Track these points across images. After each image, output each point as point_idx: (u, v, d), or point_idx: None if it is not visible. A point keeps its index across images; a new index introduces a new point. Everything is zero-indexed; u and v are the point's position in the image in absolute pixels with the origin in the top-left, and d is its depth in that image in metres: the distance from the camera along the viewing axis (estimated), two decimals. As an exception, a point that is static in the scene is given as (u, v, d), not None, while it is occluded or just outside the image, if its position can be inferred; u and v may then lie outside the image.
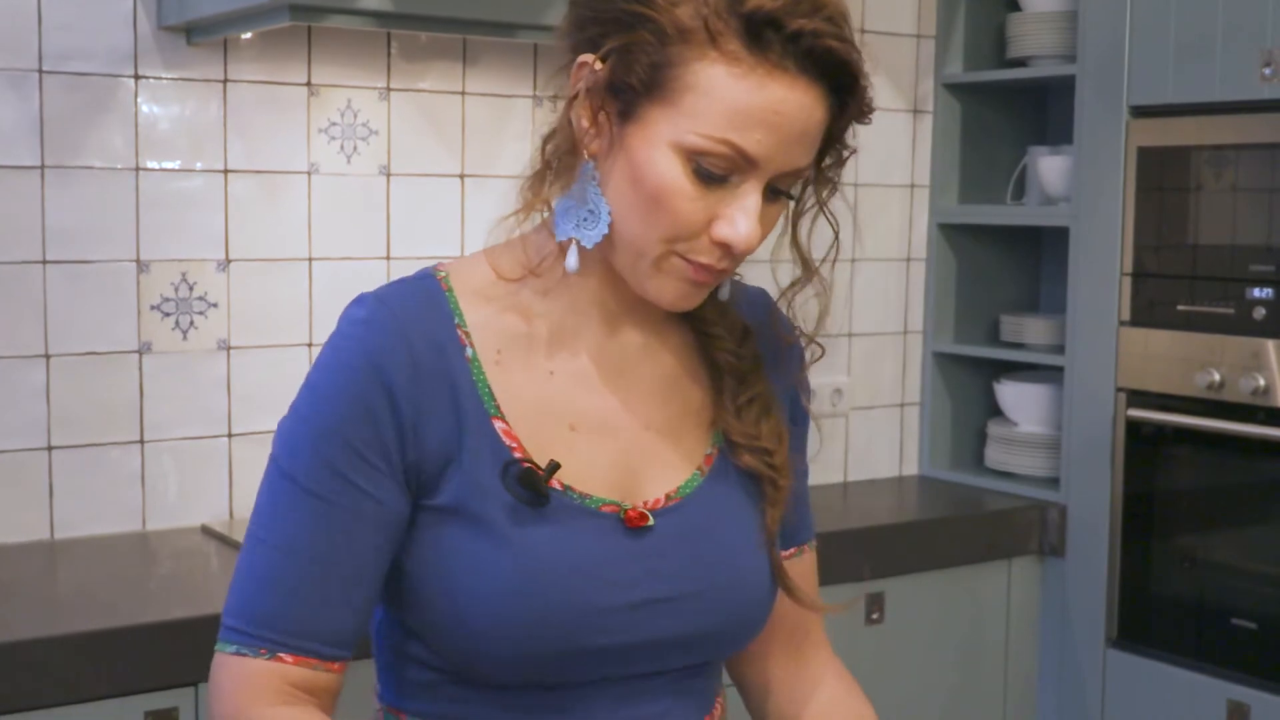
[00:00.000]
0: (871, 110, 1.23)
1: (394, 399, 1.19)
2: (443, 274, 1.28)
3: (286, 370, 2.68)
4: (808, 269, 1.30)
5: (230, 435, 2.63)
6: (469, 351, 1.24)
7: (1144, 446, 2.91)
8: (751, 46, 1.15)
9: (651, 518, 1.27)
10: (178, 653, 2.04)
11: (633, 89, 1.18)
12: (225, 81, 2.57)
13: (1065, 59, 3.11)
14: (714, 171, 1.17)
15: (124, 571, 2.37)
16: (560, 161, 1.24)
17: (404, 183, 2.77)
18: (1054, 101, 3.37)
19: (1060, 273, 3.14)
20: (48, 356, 2.45)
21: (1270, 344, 2.68)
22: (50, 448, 2.47)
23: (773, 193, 1.20)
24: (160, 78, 2.52)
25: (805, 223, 1.28)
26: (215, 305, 2.60)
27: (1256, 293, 2.71)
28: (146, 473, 2.55)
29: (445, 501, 1.22)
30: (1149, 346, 2.88)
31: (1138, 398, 2.90)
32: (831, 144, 1.24)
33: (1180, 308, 2.84)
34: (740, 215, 1.18)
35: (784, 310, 1.35)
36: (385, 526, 1.21)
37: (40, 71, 2.41)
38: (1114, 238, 2.92)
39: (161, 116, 2.53)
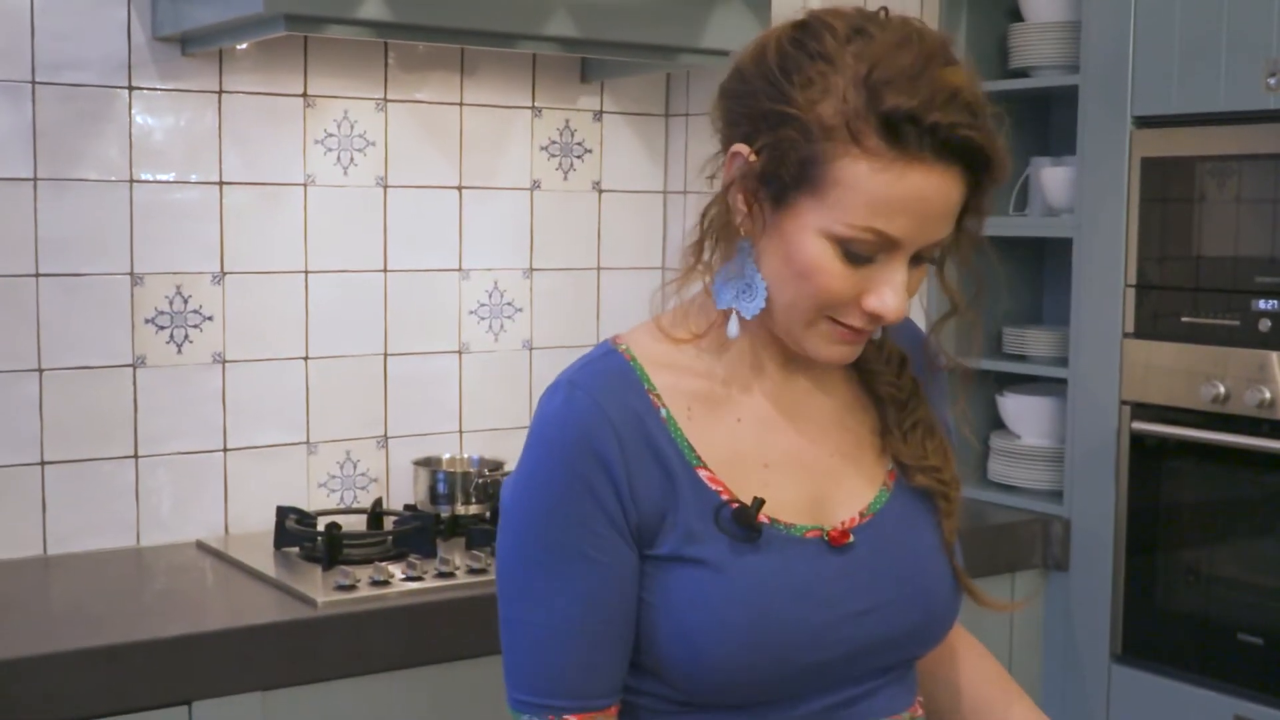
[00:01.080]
0: (1007, 177, 1.34)
1: (610, 472, 1.30)
2: (623, 347, 1.39)
3: (282, 384, 2.66)
4: (955, 307, 1.45)
5: (225, 449, 2.61)
6: (664, 412, 1.35)
7: (1148, 459, 2.88)
8: (891, 142, 1.24)
9: (852, 535, 1.38)
10: (172, 671, 2.02)
11: (783, 181, 1.29)
12: (221, 92, 2.55)
13: (1068, 69, 3.09)
14: (861, 253, 1.28)
15: (118, 587, 2.35)
16: (719, 236, 1.36)
17: (401, 194, 2.75)
18: (1057, 112, 3.35)
19: (1064, 284, 3.11)
20: (41, 370, 2.43)
21: (1275, 356, 2.65)
22: (44, 462, 2.45)
23: (914, 260, 1.32)
24: (155, 89, 2.50)
25: (952, 263, 1.42)
26: (210, 318, 2.57)
27: (1261, 304, 2.68)
28: (141, 487, 2.53)
29: (667, 551, 1.32)
30: (1153, 359, 2.85)
31: (1142, 410, 2.87)
32: (969, 210, 1.34)
33: (1184, 319, 2.81)
34: (889, 290, 1.29)
35: (933, 341, 1.51)
36: (629, 585, 1.33)
37: (34, 82, 2.39)
38: (1117, 249, 2.90)
39: (156, 128, 2.50)
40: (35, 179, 2.40)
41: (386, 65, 2.71)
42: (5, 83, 2.37)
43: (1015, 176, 3.33)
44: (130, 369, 2.51)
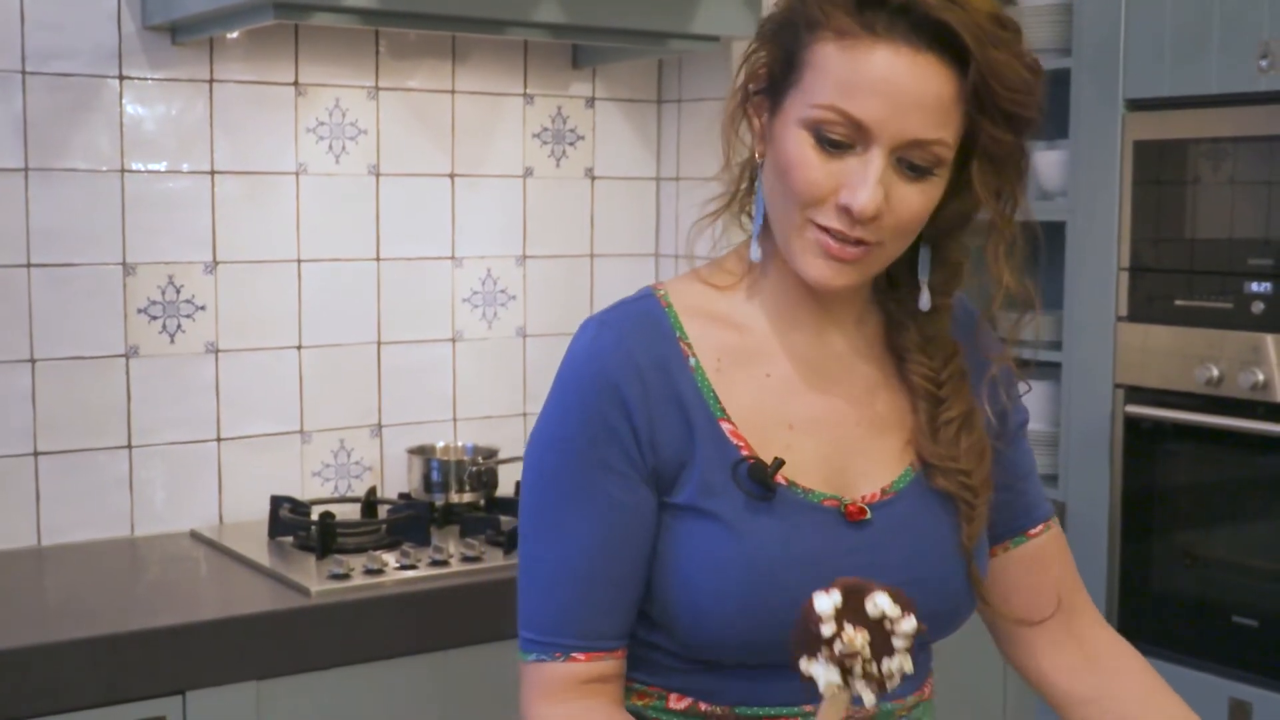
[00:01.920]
0: (1016, 89, 1.26)
1: (629, 413, 1.30)
2: (662, 292, 1.38)
3: (275, 373, 2.65)
4: (1000, 284, 1.38)
5: (219, 439, 2.60)
6: (692, 361, 1.34)
7: (1143, 443, 2.88)
8: (859, 20, 1.24)
9: (869, 512, 1.35)
10: (166, 661, 2.02)
11: (776, 81, 1.31)
12: (211, 81, 2.55)
13: (1060, 52, 3.09)
14: (833, 138, 1.25)
15: (112, 578, 2.34)
16: (741, 165, 1.38)
17: (394, 182, 2.74)
18: (1049, 95, 3.33)
19: (1057, 268, 3.11)
20: (33, 361, 2.43)
21: (1269, 338, 2.65)
22: (37, 453, 2.44)
23: (911, 170, 1.26)
24: (145, 78, 2.49)
25: (1000, 240, 1.36)
26: (203, 308, 2.57)
27: (1255, 287, 2.68)
28: (134, 478, 2.53)
29: (682, 500, 1.32)
30: (1147, 342, 2.85)
31: (1136, 394, 2.87)
32: (978, 131, 1.28)
33: (1178, 303, 2.81)
34: (860, 183, 1.24)
35: (989, 323, 1.45)
36: (645, 526, 1.32)
37: (23, 72, 2.39)
38: (1111, 232, 2.90)
39: (147, 117, 2.50)
40: (26, 169, 2.40)
41: (377, 53, 2.70)
42: (-6, 73, 2.37)
43: (1008, 160, 3.32)
44: (123, 359, 2.51)
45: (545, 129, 2.94)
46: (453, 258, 2.84)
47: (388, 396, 2.79)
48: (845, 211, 1.26)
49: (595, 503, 1.31)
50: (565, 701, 1.33)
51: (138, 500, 2.53)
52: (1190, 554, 2.87)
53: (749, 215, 1.40)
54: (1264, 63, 2.62)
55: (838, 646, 1.11)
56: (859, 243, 1.27)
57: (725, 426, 1.33)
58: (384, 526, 2.48)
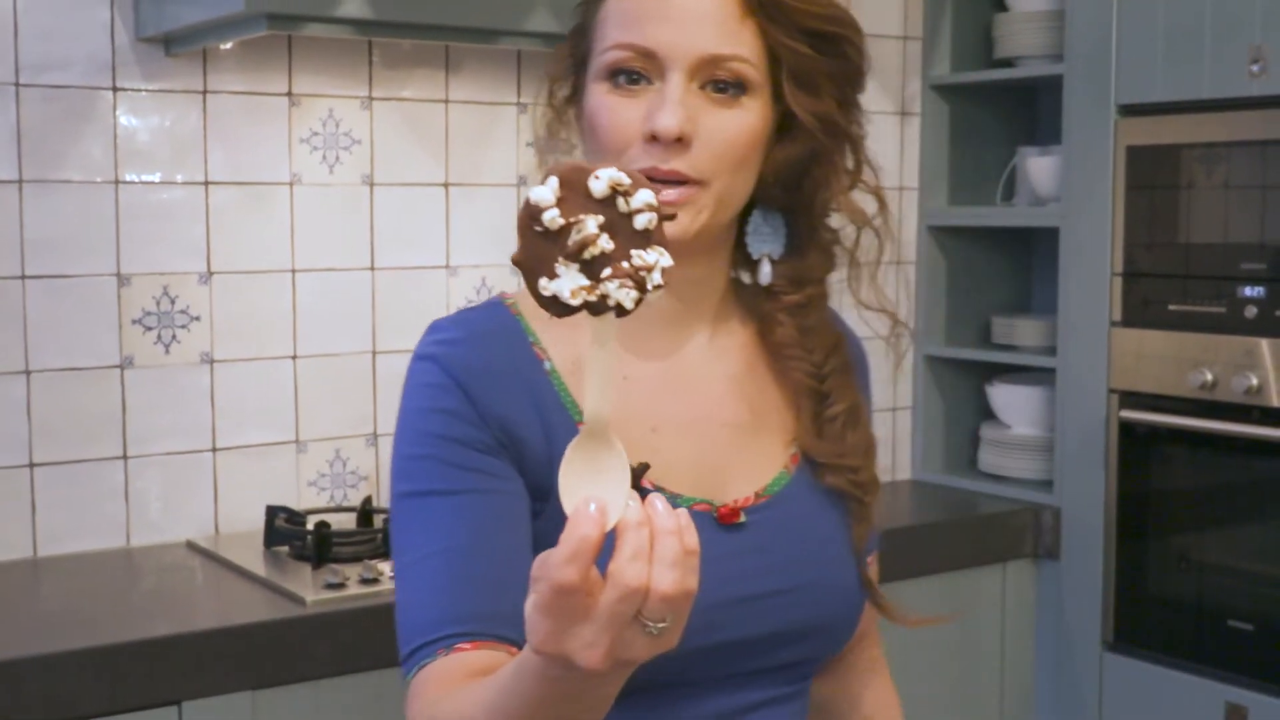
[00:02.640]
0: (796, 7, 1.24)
1: (479, 407, 1.23)
2: (510, 301, 1.32)
3: (271, 383, 2.65)
4: (859, 220, 1.34)
5: (215, 449, 2.60)
6: (547, 365, 1.27)
7: (1137, 447, 2.89)
8: None
9: (743, 515, 1.29)
10: (162, 672, 2.01)
11: (578, 71, 1.30)
12: (205, 92, 2.55)
13: (1053, 58, 3.10)
14: (627, 72, 1.23)
15: (108, 588, 2.34)
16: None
17: (388, 192, 2.74)
18: (1042, 101, 3.35)
19: (1051, 274, 3.12)
20: (28, 372, 2.43)
21: (1263, 342, 2.66)
22: (32, 464, 2.44)
23: (718, 90, 1.23)
24: (139, 89, 2.49)
25: (830, 173, 1.30)
26: (197, 318, 2.57)
27: (1248, 291, 2.69)
28: (130, 488, 2.53)
29: (548, 507, 1.23)
30: (1141, 347, 2.86)
31: (1130, 399, 2.88)
32: (782, 54, 1.25)
33: (1172, 307, 2.82)
34: (659, 105, 1.21)
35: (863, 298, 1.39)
36: (517, 509, 1.23)
37: (17, 84, 2.39)
38: (1104, 237, 2.90)
39: (141, 128, 2.50)
40: (20, 181, 2.40)
41: (371, 63, 2.71)
42: (-12, 85, 2.37)
43: (1001, 166, 3.33)
44: (118, 370, 2.51)
45: (539, 138, 2.93)
46: (447, 266, 2.84)
47: (383, 406, 2.79)
48: (652, 140, 1.21)
49: (462, 481, 1.22)
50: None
51: (133, 510, 2.53)
52: (1186, 558, 2.87)
53: None
54: (1256, 67, 2.63)
55: (572, 238, 0.95)
56: (680, 182, 1.22)
57: None
58: (379, 536, 2.48)
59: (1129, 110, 2.87)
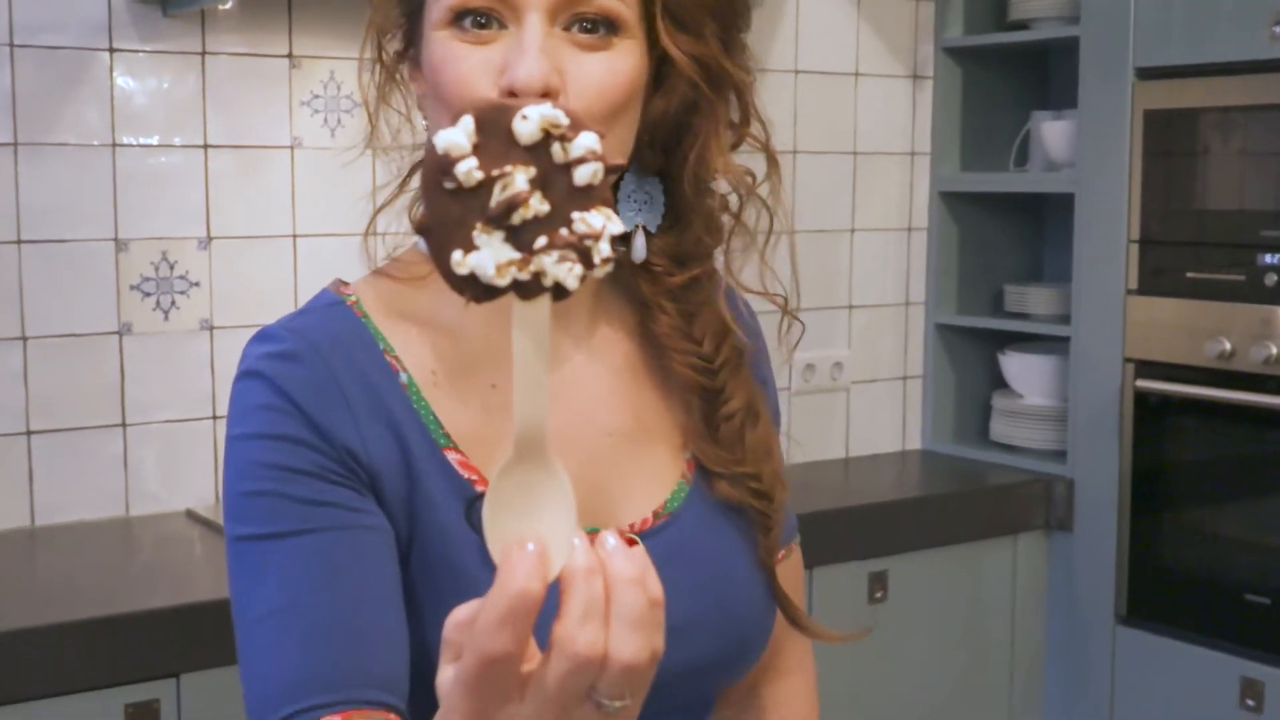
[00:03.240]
0: None
1: (322, 432, 1.01)
2: (352, 298, 1.10)
3: (272, 350, 2.61)
4: (740, 191, 1.13)
5: (215, 417, 2.57)
6: (403, 377, 1.06)
7: (1153, 418, 2.85)
8: None
9: (640, 541, 1.05)
10: (159, 643, 1.98)
11: (411, 22, 1.08)
12: (203, 54, 2.50)
13: (1068, 21, 3.04)
14: (473, 15, 1.01)
15: (106, 559, 2.31)
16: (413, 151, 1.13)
17: (387, 155, 2.69)
18: (1056, 65, 3.30)
19: (1065, 241, 3.07)
20: (24, 339, 2.39)
21: (1282, 311, 2.61)
22: (29, 432, 2.41)
23: (585, 32, 1.01)
24: (136, 50, 2.44)
25: (709, 123, 1.09)
26: (197, 284, 2.53)
27: (1267, 259, 2.64)
28: (129, 457, 2.49)
29: (412, 552, 1.03)
30: (1157, 315, 2.81)
31: (1146, 368, 2.83)
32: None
33: (1189, 275, 2.77)
34: (517, 55, 0.99)
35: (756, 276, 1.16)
36: (384, 538, 1.01)
37: (11, 45, 2.34)
38: (1120, 204, 2.85)
39: (138, 91, 2.45)
40: (15, 144, 2.35)
41: (373, 24, 2.65)
42: (-18, 46, 2.32)
43: (1014, 131, 3.28)
44: (116, 336, 2.47)
45: (544, 101, 2.89)
46: (409, 220, 2.79)
47: (386, 374, 2.75)
48: (512, 97, 0.98)
49: (309, 535, 0.99)
50: None
51: (132, 479, 2.50)
52: (1201, 531, 2.83)
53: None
54: (1277, 29, 2.57)
55: (495, 197, 0.73)
56: None
57: (452, 456, 1.05)
58: (382, 506, 2.44)
59: (1146, 74, 2.82)
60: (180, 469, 2.54)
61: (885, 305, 3.28)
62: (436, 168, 0.73)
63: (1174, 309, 2.79)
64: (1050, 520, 3.00)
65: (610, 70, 1.02)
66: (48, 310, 2.40)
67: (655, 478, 1.13)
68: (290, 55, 2.58)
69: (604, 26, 1.02)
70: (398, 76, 1.11)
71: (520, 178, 0.73)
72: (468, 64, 1.00)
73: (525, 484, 0.77)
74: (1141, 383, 2.83)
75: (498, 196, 0.73)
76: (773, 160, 1.15)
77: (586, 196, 0.74)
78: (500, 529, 0.76)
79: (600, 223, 0.74)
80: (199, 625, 2.01)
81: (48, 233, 2.39)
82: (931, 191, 3.27)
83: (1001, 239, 3.35)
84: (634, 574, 0.75)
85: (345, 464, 1.01)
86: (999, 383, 3.30)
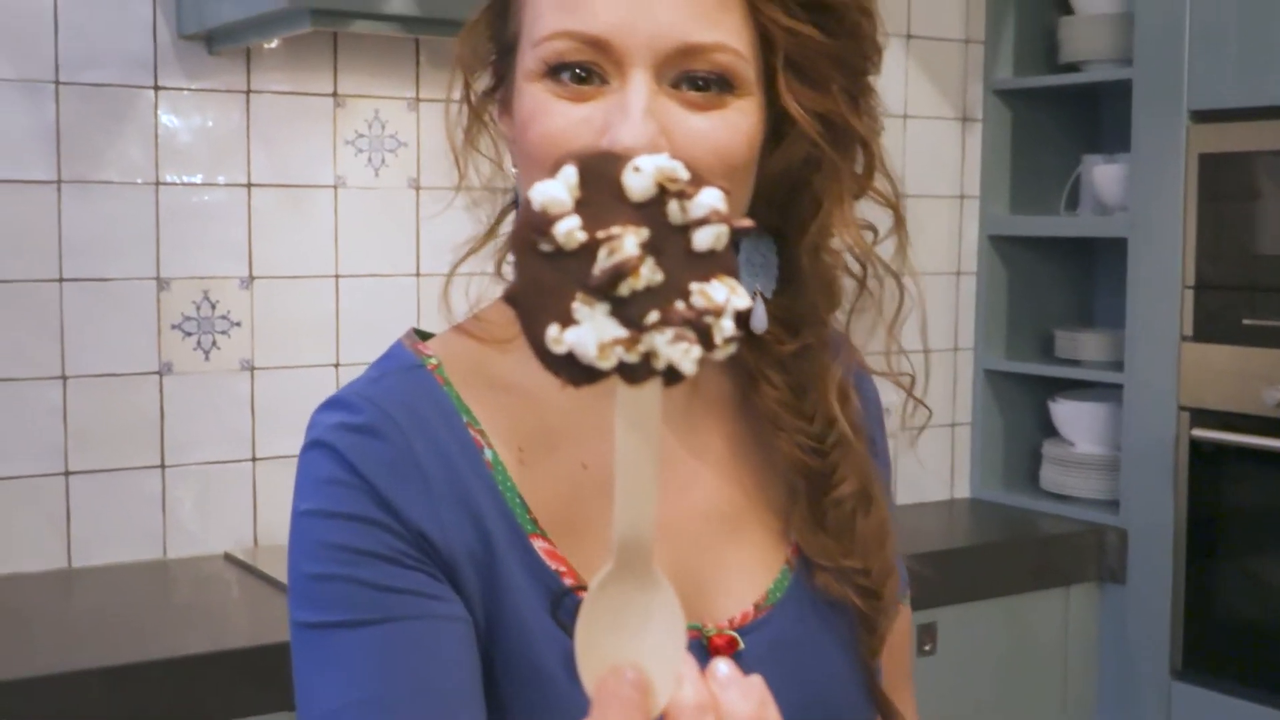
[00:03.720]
0: None
1: (397, 512, 0.93)
2: (433, 360, 1.02)
3: (312, 391, 2.58)
4: (868, 266, 1.02)
5: (254, 459, 2.54)
6: (488, 454, 0.97)
7: (1208, 467, 2.78)
8: None
9: (742, 640, 0.99)
10: (197, 689, 1.95)
11: (502, 62, 1.00)
12: (248, 92, 2.49)
13: (1120, 63, 3.00)
14: (571, 68, 0.91)
15: (142, 601, 2.28)
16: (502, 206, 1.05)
17: (434, 196, 2.67)
18: (1108, 107, 3.25)
19: (1116, 285, 3.02)
20: (65, 378, 2.37)
21: (1342, 359, 2.55)
22: (68, 472, 2.38)
23: (696, 89, 0.92)
24: (181, 88, 2.43)
25: (836, 186, 0.99)
26: (238, 324, 2.50)
27: (1327, 305, 2.58)
28: (167, 498, 2.46)
29: (492, 646, 0.95)
30: (1212, 362, 2.76)
31: (1201, 416, 2.77)
32: (776, 37, 0.94)
33: (1245, 321, 2.71)
34: (619, 115, 0.89)
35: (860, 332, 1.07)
36: (464, 629, 0.93)
37: (56, 82, 2.33)
38: (1174, 248, 2.80)
39: (182, 128, 2.44)
40: (58, 181, 2.34)
41: (418, 63, 2.64)
42: (27, 82, 2.31)
43: (1065, 174, 3.23)
44: (156, 376, 2.44)
45: (590, 142, 2.86)
46: (496, 274, 2.76)
47: (427, 416, 2.71)
48: None
49: (382, 625, 0.91)
50: None
51: (170, 521, 2.47)
52: (1259, 582, 2.76)
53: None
54: (1337, 72, 2.52)
55: (600, 263, 0.63)
56: None
57: (539, 545, 0.96)
58: (422, 550, 2.41)
59: (1200, 116, 2.77)
60: (219, 510, 2.51)
61: (933, 350, 3.22)
62: (531, 226, 0.64)
63: (1229, 356, 2.73)
64: (1103, 571, 2.94)
65: (723, 133, 0.92)
66: (88, 348, 2.38)
67: (756, 566, 1.03)
68: (335, 94, 2.57)
69: (717, 84, 0.92)
70: (485, 118, 1.03)
71: (630, 241, 0.64)
72: (563, 121, 0.91)
73: (625, 600, 0.68)
74: (1197, 431, 2.77)
75: (603, 262, 0.64)
76: (899, 219, 1.04)
77: (707, 264, 0.64)
78: (595, 652, 0.67)
79: (723, 295, 0.64)
80: (236, 671, 1.97)
81: (89, 270, 2.37)
82: (981, 234, 3.23)
83: (1051, 283, 3.30)
84: (751, 713, 0.66)
85: (421, 548, 0.93)
86: (1049, 430, 3.25)
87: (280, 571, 2.33)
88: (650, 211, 0.64)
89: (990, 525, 3.10)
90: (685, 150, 0.90)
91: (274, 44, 2.47)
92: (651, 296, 0.63)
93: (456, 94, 1.04)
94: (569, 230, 0.63)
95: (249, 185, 2.50)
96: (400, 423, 0.95)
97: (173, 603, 2.31)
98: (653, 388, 0.64)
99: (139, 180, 2.41)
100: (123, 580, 2.35)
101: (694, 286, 0.64)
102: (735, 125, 0.93)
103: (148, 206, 2.42)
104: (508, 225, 1.06)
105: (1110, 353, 3.05)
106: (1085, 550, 2.93)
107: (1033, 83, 3.17)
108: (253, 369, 2.53)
